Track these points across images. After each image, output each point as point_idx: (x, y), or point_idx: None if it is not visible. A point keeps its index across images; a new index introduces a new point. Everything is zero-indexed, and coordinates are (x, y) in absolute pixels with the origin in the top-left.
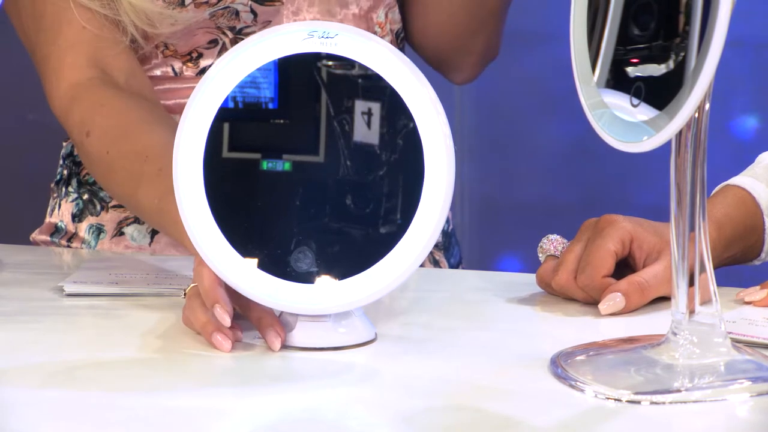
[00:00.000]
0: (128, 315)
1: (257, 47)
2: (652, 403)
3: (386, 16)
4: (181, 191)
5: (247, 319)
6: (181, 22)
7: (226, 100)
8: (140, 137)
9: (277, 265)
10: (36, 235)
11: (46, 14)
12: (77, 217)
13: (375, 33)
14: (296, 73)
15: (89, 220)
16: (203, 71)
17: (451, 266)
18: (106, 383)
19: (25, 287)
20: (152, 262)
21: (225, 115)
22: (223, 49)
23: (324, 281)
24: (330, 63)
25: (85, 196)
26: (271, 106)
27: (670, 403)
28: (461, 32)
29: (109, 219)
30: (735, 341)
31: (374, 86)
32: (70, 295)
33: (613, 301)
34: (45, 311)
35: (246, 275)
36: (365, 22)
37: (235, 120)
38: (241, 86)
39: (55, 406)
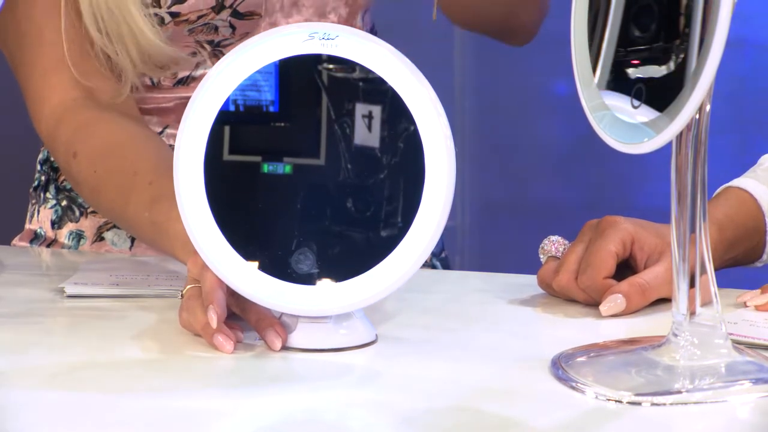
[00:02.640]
0: (129, 316)
1: (257, 49)
2: (653, 404)
3: (362, 19)
4: (182, 194)
5: (246, 321)
6: (174, 55)
7: (226, 103)
8: (129, 155)
9: (278, 267)
10: (17, 242)
11: (27, 34)
12: (56, 224)
13: None
14: (297, 76)
15: (69, 227)
16: (180, 82)
17: (433, 254)
18: (107, 384)
19: (26, 288)
20: (153, 264)
21: (225, 117)
22: (201, 61)
23: (325, 283)
24: (331, 66)
25: (64, 203)
26: (271, 109)
27: (671, 404)
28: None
29: (88, 225)
30: (736, 342)
31: (375, 89)
32: (70, 296)
33: (614, 302)
34: (46, 312)
35: (247, 277)
36: None
37: (236, 123)
38: (242, 89)
39: (56, 407)
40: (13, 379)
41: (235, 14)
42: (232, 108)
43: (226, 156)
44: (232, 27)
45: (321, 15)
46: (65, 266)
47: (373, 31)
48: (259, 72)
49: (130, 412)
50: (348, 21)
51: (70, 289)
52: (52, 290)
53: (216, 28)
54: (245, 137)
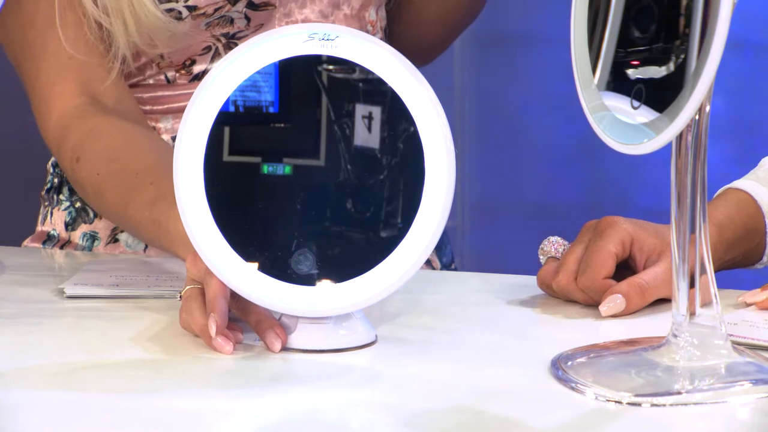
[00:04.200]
0: (129, 317)
1: (257, 49)
2: (653, 405)
3: (377, 13)
4: (182, 194)
5: (246, 322)
6: (180, 36)
7: (226, 104)
8: (131, 157)
9: (278, 267)
10: (28, 243)
11: (33, 43)
12: (70, 226)
13: (367, 31)
14: (297, 76)
15: (82, 228)
16: (196, 77)
17: (444, 265)
18: (107, 385)
19: (27, 289)
20: (153, 264)
21: (225, 118)
22: (216, 54)
23: (324, 284)
24: (331, 67)
25: (78, 204)
26: (271, 109)
27: (671, 405)
28: (459, 20)
29: (102, 226)
30: (736, 344)
31: (375, 90)
32: (70, 297)
33: (613, 302)
34: (46, 313)
35: (247, 278)
36: (357, 21)
37: (236, 123)
38: (242, 89)
39: (56, 408)
40: (13, 379)
41: (250, 5)
42: (231, 109)
43: (226, 157)
44: (247, 18)
45: (335, 6)
46: (65, 267)
47: (386, 29)
48: (258, 73)
49: (130, 413)
50: (360, 14)
51: (70, 290)
52: (52, 291)
53: (231, 20)
54: (245, 138)
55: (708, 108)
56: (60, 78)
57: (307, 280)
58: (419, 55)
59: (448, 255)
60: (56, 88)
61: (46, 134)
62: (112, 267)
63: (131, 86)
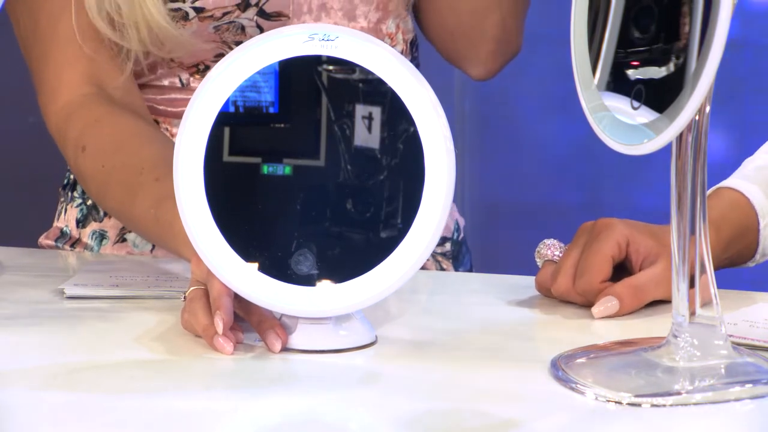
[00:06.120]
0: (129, 317)
1: (257, 49)
2: (653, 405)
3: (397, 26)
4: (182, 195)
5: (248, 322)
6: (188, 44)
7: (226, 104)
8: (136, 151)
9: (278, 268)
10: (43, 240)
11: (43, 28)
12: (81, 223)
13: None
14: (297, 77)
15: (92, 226)
16: None
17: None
18: (107, 385)
19: (27, 289)
20: (153, 265)
21: (225, 119)
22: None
23: (324, 284)
24: (331, 67)
25: (89, 202)
26: (271, 110)
27: (671, 405)
28: (474, 6)
29: (111, 225)
30: (735, 344)
31: (375, 90)
32: (70, 297)
33: (605, 305)
34: (46, 314)
35: (247, 278)
36: (374, 34)
37: (236, 124)
38: (242, 90)
39: (56, 408)
40: (13, 380)
41: (262, 14)
42: (231, 109)
43: (226, 157)
44: (260, 28)
45: (350, 19)
46: (66, 268)
47: (414, 42)
48: (258, 73)
49: (130, 413)
50: (377, 26)
51: (69, 291)
52: (52, 291)
53: (243, 28)
54: (245, 138)
55: (708, 109)
56: (69, 65)
57: (307, 281)
58: (460, 50)
59: (465, 265)
60: (64, 75)
61: (49, 120)
62: (112, 267)
63: (144, 86)
